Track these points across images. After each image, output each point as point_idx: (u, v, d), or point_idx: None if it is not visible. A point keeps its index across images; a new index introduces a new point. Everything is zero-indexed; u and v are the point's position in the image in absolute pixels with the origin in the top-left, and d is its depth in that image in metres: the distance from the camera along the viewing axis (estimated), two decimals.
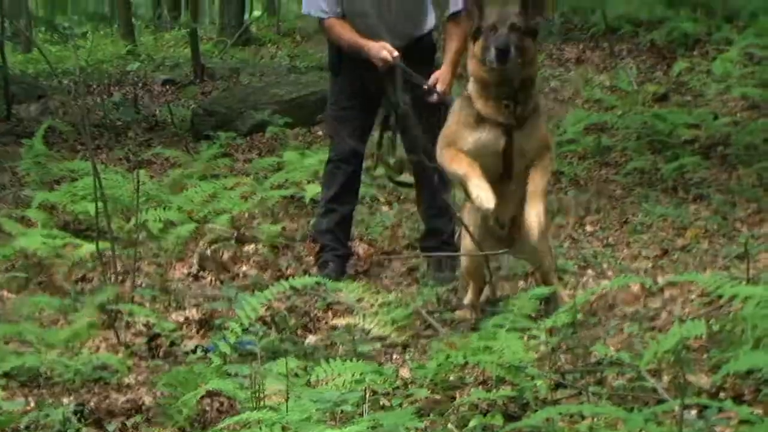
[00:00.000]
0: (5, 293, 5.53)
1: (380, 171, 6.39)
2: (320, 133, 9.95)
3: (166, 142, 10.31)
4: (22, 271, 5.86)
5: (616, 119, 9.42)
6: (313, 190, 7.13)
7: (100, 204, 5.31)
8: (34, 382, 4.05)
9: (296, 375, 3.77)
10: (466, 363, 3.69)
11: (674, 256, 6.08)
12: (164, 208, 6.70)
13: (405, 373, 4.01)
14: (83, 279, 5.87)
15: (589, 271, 5.74)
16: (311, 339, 4.72)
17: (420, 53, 5.65)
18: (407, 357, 4.35)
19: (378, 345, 4.48)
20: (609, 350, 3.92)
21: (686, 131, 8.83)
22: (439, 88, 5.47)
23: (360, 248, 6.29)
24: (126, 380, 4.10)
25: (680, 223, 6.73)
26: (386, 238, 6.59)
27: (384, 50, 5.37)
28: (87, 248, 5.85)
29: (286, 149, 8.93)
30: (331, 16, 5.59)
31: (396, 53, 5.36)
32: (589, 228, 6.91)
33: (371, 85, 5.63)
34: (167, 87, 14.09)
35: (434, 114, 5.40)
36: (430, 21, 5.79)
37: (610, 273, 5.74)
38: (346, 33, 5.56)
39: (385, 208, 7.44)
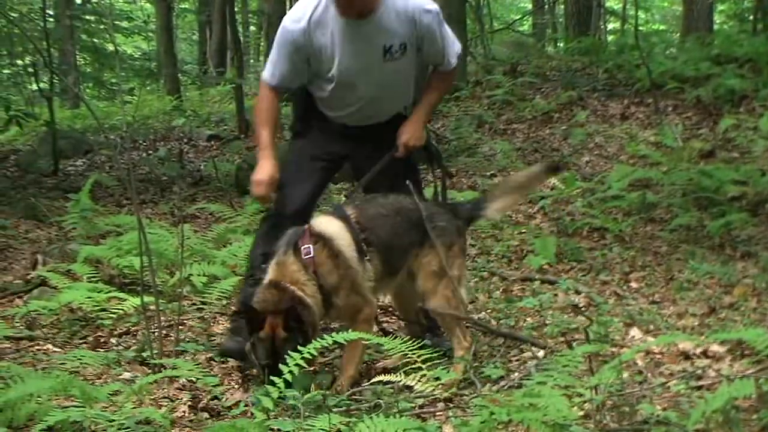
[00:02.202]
0: (50, 347, 5.55)
1: None
2: None
3: (210, 197, 10.38)
4: (68, 325, 5.89)
5: (661, 175, 9.38)
6: None
7: (145, 258, 5.34)
8: None
9: (339, 431, 3.74)
10: (510, 420, 3.65)
11: (721, 314, 6.02)
12: (208, 263, 6.72)
13: (448, 430, 3.98)
14: (127, 333, 5.88)
15: (635, 328, 5.68)
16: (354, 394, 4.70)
17: (397, 126, 5.35)
18: (450, 414, 4.31)
19: (421, 401, 4.45)
20: (656, 409, 3.88)
21: (733, 188, 8.77)
22: (414, 143, 5.32)
23: None
24: None
25: (727, 281, 6.68)
26: None
27: (263, 183, 5.12)
28: (131, 302, 5.87)
29: (331, 201, 8.95)
30: (271, 84, 5.27)
31: (271, 189, 5.12)
32: (634, 285, 6.86)
33: (335, 148, 5.41)
34: (212, 142, 14.19)
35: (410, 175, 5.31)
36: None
37: (656, 330, 5.68)
38: (264, 118, 5.29)
39: None
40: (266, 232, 5.34)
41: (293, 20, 5.10)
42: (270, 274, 4.82)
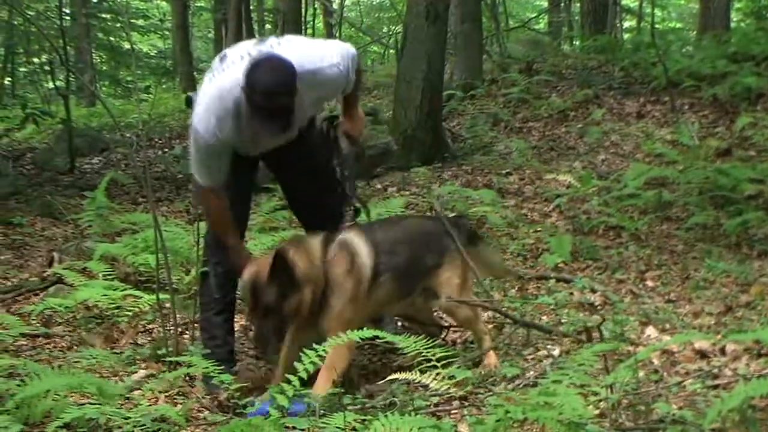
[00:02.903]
0: (66, 344, 5.57)
1: None
2: (378, 186, 9.95)
3: None
4: (84, 323, 5.90)
5: (677, 174, 9.33)
6: None
7: (160, 256, 5.34)
8: None
9: (354, 429, 3.74)
10: (525, 419, 3.64)
11: (738, 313, 5.99)
12: None
13: (463, 428, 3.97)
14: (143, 330, 5.90)
15: (651, 327, 5.66)
16: (370, 393, 4.70)
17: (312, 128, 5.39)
18: (465, 412, 4.30)
19: (436, 399, 4.44)
20: (671, 408, 3.86)
21: (750, 186, 8.72)
22: (356, 134, 5.60)
23: None
24: None
25: (744, 280, 6.64)
26: None
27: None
28: (147, 300, 5.88)
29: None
30: (218, 187, 4.98)
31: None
32: (650, 283, 6.83)
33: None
34: None
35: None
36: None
37: (672, 329, 5.66)
38: (228, 223, 5.01)
39: None
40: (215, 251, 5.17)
41: (212, 132, 5.00)
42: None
